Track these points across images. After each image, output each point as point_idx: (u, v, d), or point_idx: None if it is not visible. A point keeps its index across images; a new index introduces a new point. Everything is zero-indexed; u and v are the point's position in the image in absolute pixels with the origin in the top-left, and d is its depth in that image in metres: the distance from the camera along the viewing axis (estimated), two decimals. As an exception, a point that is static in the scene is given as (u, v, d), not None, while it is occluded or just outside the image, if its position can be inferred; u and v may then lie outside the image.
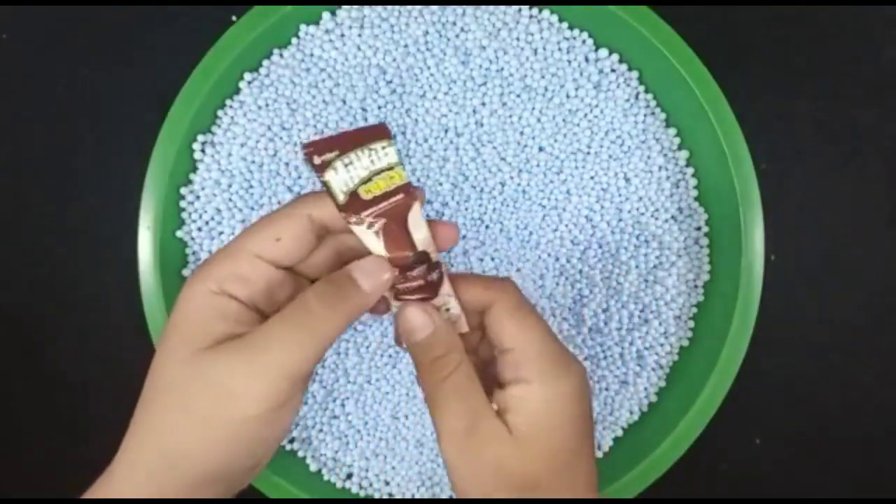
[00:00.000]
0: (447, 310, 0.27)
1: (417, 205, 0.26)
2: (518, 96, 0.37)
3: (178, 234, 0.37)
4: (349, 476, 0.40)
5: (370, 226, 0.26)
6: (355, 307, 0.25)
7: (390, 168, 0.26)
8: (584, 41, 0.38)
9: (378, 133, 0.26)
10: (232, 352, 0.24)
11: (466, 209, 0.38)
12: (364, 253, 0.26)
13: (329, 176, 0.25)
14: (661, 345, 0.39)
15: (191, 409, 0.24)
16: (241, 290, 0.25)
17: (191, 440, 0.24)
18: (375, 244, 0.26)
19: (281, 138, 0.37)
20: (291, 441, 0.39)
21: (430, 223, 0.27)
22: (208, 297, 0.25)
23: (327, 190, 0.25)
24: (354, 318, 0.25)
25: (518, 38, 0.37)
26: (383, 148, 0.26)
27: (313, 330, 0.24)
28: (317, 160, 0.25)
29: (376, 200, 0.25)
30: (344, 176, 0.25)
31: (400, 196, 0.26)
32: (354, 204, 0.25)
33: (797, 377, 0.42)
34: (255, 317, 0.25)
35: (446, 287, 0.27)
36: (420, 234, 0.26)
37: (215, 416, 0.23)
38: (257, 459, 0.25)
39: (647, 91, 0.38)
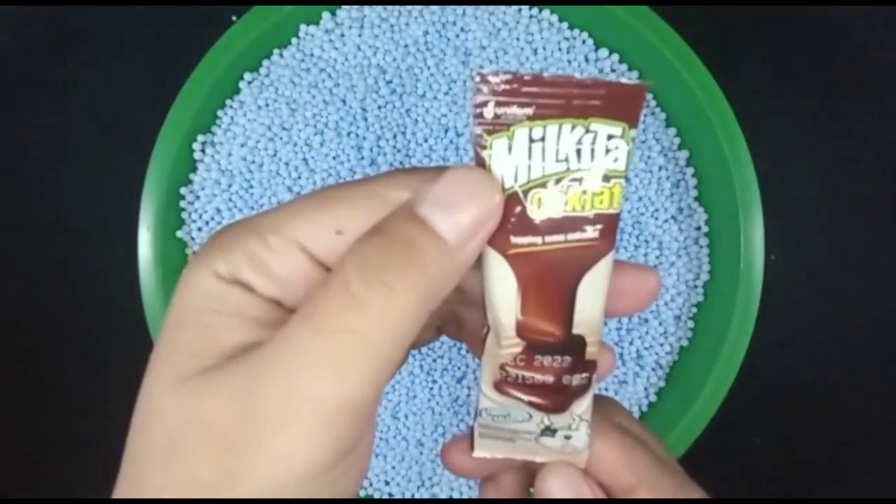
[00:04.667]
0: (567, 437, 0.17)
1: (611, 257, 0.15)
2: (518, 96, 0.37)
3: (178, 234, 0.37)
4: (349, 476, 0.40)
5: (515, 261, 0.15)
6: (435, 277, 0.14)
7: (605, 178, 0.15)
8: (584, 41, 0.38)
9: (623, 103, 0.14)
10: (245, 377, 0.14)
11: (466, 209, 0.38)
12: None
13: (496, 146, 0.14)
14: (661, 345, 0.39)
15: (185, 474, 0.14)
16: (264, 286, 0.16)
17: None
18: (502, 288, 0.15)
19: (281, 138, 0.37)
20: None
21: (623, 268, 0.16)
22: (213, 286, 0.16)
23: (478, 162, 0.15)
24: (439, 295, 0.15)
25: (518, 38, 0.37)
26: (611, 138, 0.14)
27: (365, 335, 0.14)
28: (489, 109, 0.14)
29: (550, 226, 0.15)
30: (520, 157, 0.15)
31: (593, 235, 0.15)
32: (508, 214, 0.15)
33: (797, 377, 0.42)
34: (282, 315, 0.16)
35: (584, 405, 0.17)
36: (590, 308, 0.15)
37: (228, 485, 0.14)
38: None
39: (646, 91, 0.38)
